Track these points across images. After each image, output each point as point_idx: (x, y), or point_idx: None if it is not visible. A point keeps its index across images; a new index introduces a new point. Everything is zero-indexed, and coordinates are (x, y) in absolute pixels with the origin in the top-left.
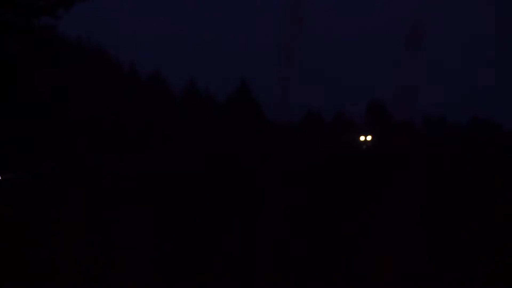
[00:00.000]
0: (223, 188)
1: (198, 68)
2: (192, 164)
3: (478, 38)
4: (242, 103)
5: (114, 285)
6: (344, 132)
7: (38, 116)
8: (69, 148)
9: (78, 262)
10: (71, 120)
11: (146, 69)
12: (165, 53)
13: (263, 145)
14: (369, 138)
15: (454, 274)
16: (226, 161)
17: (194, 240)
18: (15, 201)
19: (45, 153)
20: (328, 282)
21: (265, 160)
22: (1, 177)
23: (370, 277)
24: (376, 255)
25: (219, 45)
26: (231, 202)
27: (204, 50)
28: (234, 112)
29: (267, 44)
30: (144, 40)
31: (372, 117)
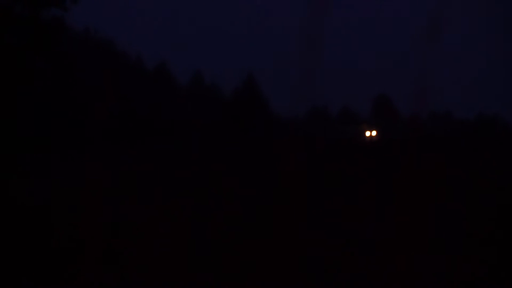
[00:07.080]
0: (229, 184)
1: (204, 57)
2: (196, 158)
3: (486, 34)
4: (248, 98)
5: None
6: (349, 126)
7: (44, 108)
8: (77, 139)
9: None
10: (78, 112)
11: (153, 60)
12: (172, 42)
13: (269, 140)
14: (374, 133)
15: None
16: (231, 157)
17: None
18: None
19: (53, 145)
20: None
21: (272, 157)
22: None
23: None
24: (377, 254)
25: (225, 34)
26: (235, 201)
27: (210, 38)
28: (240, 107)
29: (271, 37)
30: (151, 30)
31: (379, 112)
